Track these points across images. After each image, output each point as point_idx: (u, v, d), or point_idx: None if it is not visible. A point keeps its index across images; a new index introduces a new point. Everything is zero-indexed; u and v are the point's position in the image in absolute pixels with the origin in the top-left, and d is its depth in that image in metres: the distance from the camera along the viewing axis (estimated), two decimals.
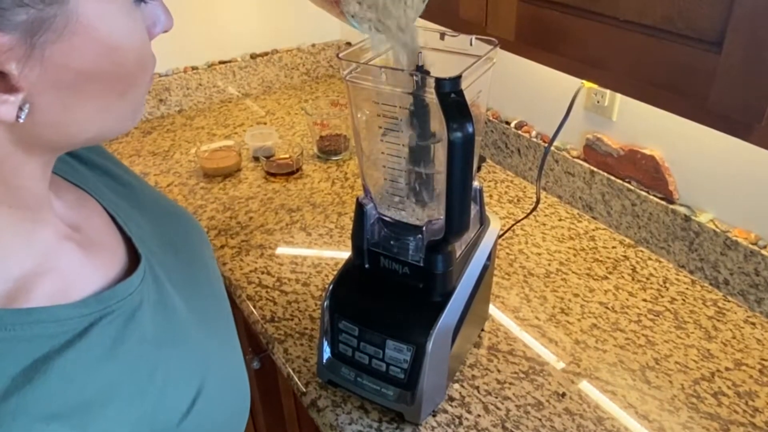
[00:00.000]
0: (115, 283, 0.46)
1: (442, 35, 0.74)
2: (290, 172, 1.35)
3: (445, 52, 0.73)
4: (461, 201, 0.65)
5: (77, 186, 0.52)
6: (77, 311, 0.42)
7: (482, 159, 1.41)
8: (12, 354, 0.38)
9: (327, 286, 0.81)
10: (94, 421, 0.40)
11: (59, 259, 0.44)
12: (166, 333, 0.48)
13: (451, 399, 0.82)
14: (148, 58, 0.43)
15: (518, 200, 1.27)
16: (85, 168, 0.56)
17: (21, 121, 0.36)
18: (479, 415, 0.80)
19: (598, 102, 1.13)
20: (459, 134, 0.59)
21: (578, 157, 1.21)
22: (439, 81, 0.60)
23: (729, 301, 0.99)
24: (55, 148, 0.43)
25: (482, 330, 0.94)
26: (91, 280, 0.45)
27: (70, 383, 0.39)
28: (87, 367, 0.41)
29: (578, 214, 1.22)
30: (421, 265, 0.73)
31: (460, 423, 0.79)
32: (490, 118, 1.39)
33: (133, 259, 0.50)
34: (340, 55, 0.68)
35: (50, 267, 0.42)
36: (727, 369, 0.87)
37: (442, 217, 0.68)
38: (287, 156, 1.37)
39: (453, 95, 0.60)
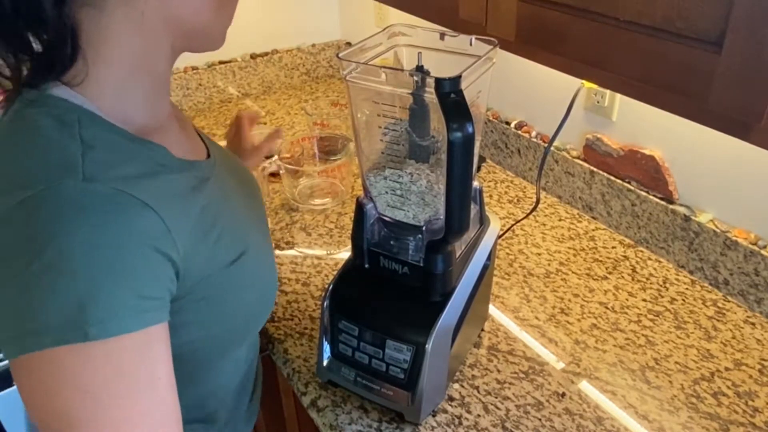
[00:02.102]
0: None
1: (442, 35, 0.74)
2: None
3: (445, 52, 0.73)
4: (461, 201, 0.65)
5: None
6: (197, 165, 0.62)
7: (482, 159, 1.41)
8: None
9: (327, 286, 0.81)
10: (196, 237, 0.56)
11: (172, 128, 0.62)
12: (224, 203, 0.63)
13: (451, 399, 0.82)
14: None
15: (518, 200, 1.27)
16: None
17: None
18: (479, 415, 0.80)
19: (598, 102, 1.13)
20: (459, 134, 0.59)
21: (578, 157, 1.21)
22: (438, 81, 0.60)
23: (729, 301, 0.99)
24: (177, 32, 0.55)
25: (482, 330, 0.94)
26: (189, 152, 0.63)
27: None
28: (182, 198, 0.56)
29: (578, 214, 1.22)
30: (421, 265, 0.73)
31: (460, 423, 0.79)
32: (490, 118, 1.39)
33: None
34: (340, 55, 0.68)
35: (169, 129, 0.61)
36: (726, 369, 0.87)
37: (442, 217, 0.68)
38: (287, 156, 1.37)
39: (453, 95, 0.60)
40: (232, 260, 0.61)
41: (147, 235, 0.48)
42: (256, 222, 0.72)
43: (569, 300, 1.00)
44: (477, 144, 0.66)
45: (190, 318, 0.57)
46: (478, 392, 0.83)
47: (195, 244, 0.55)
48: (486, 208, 0.85)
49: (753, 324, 0.94)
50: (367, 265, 0.78)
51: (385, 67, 0.66)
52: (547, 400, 0.82)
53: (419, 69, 0.67)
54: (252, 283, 0.66)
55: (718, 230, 0.98)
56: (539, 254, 1.11)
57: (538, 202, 1.08)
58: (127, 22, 0.52)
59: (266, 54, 1.81)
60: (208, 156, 0.68)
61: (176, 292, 0.53)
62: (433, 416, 0.80)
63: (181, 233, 0.52)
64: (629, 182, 1.12)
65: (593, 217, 1.20)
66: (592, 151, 1.18)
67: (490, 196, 1.29)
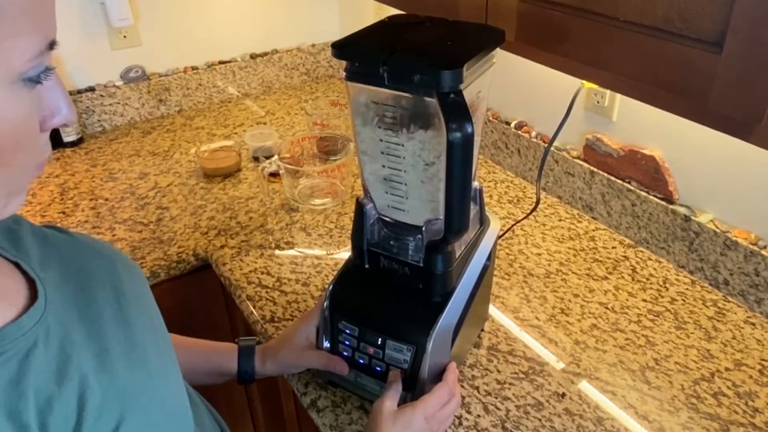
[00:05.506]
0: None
1: None
2: None
3: None
4: (461, 201, 0.65)
5: None
6: None
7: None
8: None
9: (327, 286, 0.81)
10: None
11: None
12: (67, 370, 0.46)
13: None
14: (28, 140, 0.39)
15: (518, 200, 1.27)
16: None
17: None
18: (479, 416, 0.80)
19: (598, 102, 1.13)
20: (458, 134, 0.59)
21: (578, 158, 1.21)
22: (438, 81, 0.60)
23: (729, 302, 0.99)
24: None
25: (482, 330, 0.94)
26: None
27: None
28: None
29: (578, 214, 1.22)
30: (421, 265, 0.73)
31: (460, 423, 0.79)
32: (490, 118, 1.39)
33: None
34: None
35: None
36: (727, 369, 0.87)
37: (441, 218, 0.68)
38: (288, 156, 1.37)
39: (452, 95, 0.60)
40: None
41: None
42: (143, 353, 0.53)
43: (569, 300, 1.00)
44: (476, 144, 0.66)
45: None
46: (478, 392, 0.83)
47: None
48: (486, 208, 0.85)
49: (753, 324, 0.94)
50: (367, 266, 0.78)
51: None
52: (547, 401, 0.82)
53: None
54: None
55: (718, 230, 0.98)
56: (539, 254, 1.11)
57: (538, 202, 1.08)
58: None
59: (266, 54, 1.81)
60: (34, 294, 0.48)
61: None
62: None
63: None
64: (629, 182, 1.12)
65: (593, 218, 1.20)
66: (592, 151, 1.17)
67: (490, 196, 1.29)
